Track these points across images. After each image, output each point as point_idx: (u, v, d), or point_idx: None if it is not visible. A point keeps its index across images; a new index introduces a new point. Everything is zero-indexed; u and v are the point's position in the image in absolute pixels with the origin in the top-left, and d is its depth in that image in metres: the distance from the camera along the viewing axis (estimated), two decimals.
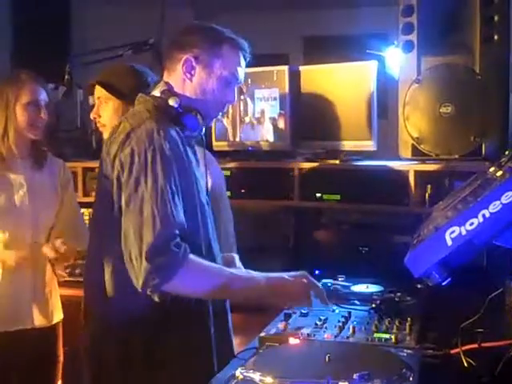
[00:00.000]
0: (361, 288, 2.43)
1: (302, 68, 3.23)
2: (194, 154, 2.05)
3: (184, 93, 2.02)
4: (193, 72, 2.01)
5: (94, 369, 2.00)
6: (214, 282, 1.86)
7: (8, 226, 2.58)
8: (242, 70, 2.08)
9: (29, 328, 2.63)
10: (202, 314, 1.95)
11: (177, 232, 1.79)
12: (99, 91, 2.57)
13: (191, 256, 1.81)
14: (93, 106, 2.68)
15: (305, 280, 1.99)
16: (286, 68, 3.21)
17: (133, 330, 1.88)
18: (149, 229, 1.76)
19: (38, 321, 2.65)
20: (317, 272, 2.62)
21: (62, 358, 2.78)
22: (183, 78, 2.02)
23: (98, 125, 2.59)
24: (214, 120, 2.67)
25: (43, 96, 2.65)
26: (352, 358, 1.68)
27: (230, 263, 2.22)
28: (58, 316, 2.76)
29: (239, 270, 2.19)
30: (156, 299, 1.79)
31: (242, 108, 3.31)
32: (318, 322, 2.01)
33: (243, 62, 2.09)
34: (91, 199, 2.53)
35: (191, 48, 2.01)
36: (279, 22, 6.20)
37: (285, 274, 1.97)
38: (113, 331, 1.90)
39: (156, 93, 2.04)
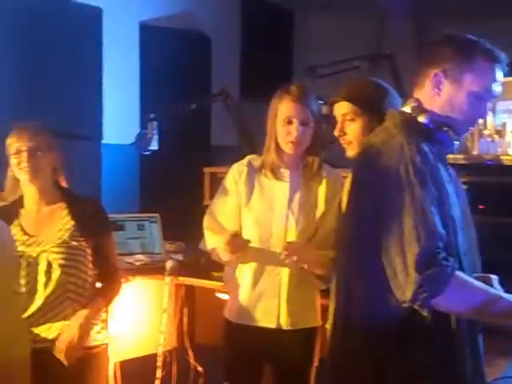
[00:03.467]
0: None
1: None
2: (446, 169, 2.02)
3: (432, 109, 1.98)
4: (441, 87, 1.96)
5: (343, 382, 2.04)
6: (477, 300, 1.82)
7: (263, 230, 2.67)
8: (497, 84, 1.99)
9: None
10: (460, 331, 1.91)
11: (441, 245, 1.77)
12: (345, 107, 2.49)
13: (457, 271, 1.79)
14: (332, 120, 2.64)
15: None
16: None
17: (389, 344, 1.89)
18: (413, 241, 1.75)
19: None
20: None
21: (316, 363, 2.75)
22: (432, 94, 1.98)
23: (343, 142, 2.51)
24: None
25: (301, 113, 2.63)
26: None
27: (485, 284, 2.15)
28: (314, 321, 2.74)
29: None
30: (424, 313, 1.78)
31: (481, 121, 3.20)
32: None
33: (500, 75, 1.99)
34: None
35: (440, 62, 1.95)
36: None
37: None
38: (371, 345, 1.92)
39: (406, 109, 2.03)
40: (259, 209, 2.69)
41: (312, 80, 3.46)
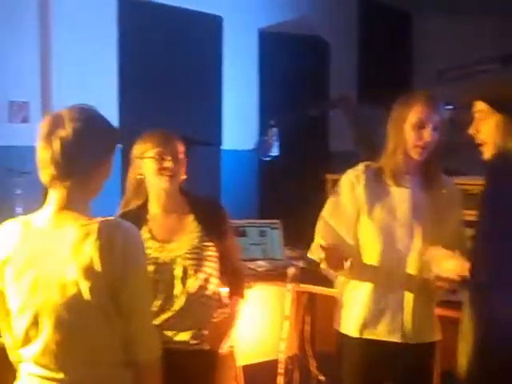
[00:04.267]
0: None
1: None
2: None
3: None
4: None
5: None
6: None
7: (387, 238, 2.60)
8: None
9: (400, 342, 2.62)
10: None
11: None
12: (479, 105, 2.41)
13: None
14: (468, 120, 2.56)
15: None
16: None
17: None
18: None
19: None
20: None
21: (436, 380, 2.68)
22: None
23: (477, 141, 2.48)
24: None
25: (432, 118, 2.57)
26: None
27: None
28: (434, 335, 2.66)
29: None
30: None
31: None
32: None
33: None
34: None
35: None
36: None
37: None
38: None
39: None
40: (381, 216, 2.61)
41: (440, 84, 3.34)
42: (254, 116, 5.66)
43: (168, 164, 2.52)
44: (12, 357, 1.88)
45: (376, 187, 2.63)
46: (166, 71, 4.95)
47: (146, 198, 2.63)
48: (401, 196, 2.60)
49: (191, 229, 2.58)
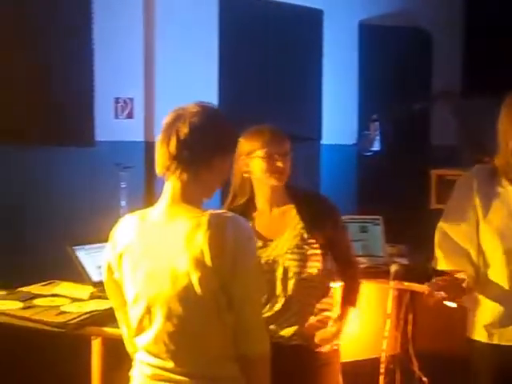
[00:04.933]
0: None
1: None
2: None
3: None
4: None
5: None
6: None
7: (508, 243, 2.48)
8: None
9: None
10: None
11: None
12: None
13: None
14: None
15: None
16: None
17: None
18: None
19: None
20: None
21: None
22: None
23: None
24: None
25: None
26: None
27: None
28: None
29: None
30: None
31: None
32: None
33: None
34: None
35: None
36: None
37: None
38: None
39: None
40: (500, 220, 2.48)
41: None
42: (354, 110, 5.58)
43: (278, 164, 2.50)
44: (128, 346, 1.94)
45: (490, 189, 2.48)
46: (266, 66, 4.97)
47: (251, 195, 2.62)
48: None
49: (293, 225, 2.55)
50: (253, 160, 2.54)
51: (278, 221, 2.57)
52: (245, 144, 2.56)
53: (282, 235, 2.53)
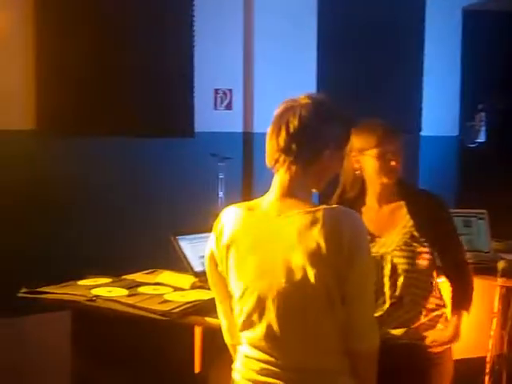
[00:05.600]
0: None
1: None
2: None
3: None
4: None
5: None
6: None
7: None
8: None
9: None
10: None
11: None
12: None
13: None
14: None
15: None
16: None
17: None
18: None
19: None
20: None
21: None
22: None
23: None
24: None
25: None
26: None
27: None
28: None
29: None
30: None
31: None
32: None
33: None
34: None
35: None
36: None
37: None
38: None
39: None
40: None
41: None
42: (456, 100, 5.39)
43: (391, 163, 2.44)
44: (227, 338, 1.93)
45: None
46: (367, 56, 4.88)
47: (362, 189, 2.58)
48: None
49: (403, 223, 2.49)
50: (365, 158, 2.48)
51: (387, 217, 2.51)
52: (356, 140, 2.50)
53: (391, 232, 2.47)
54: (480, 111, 3.74)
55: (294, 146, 1.72)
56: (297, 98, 1.79)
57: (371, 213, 2.54)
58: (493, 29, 5.42)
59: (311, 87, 4.65)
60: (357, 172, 2.51)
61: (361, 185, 2.55)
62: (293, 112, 1.74)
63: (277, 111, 1.78)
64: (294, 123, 1.73)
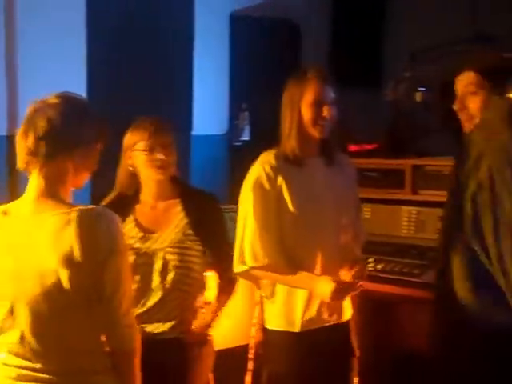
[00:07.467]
0: None
1: None
2: None
3: None
4: None
5: None
6: None
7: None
8: None
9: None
10: None
11: None
12: (468, 78, 2.38)
13: None
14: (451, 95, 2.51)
15: None
16: None
17: None
18: None
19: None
20: None
21: (357, 354, 2.72)
22: None
23: (463, 117, 2.41)
24: None
25: (329, 94, 2.56)
26: None
27: None
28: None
29: None
30: None
31: None
32: None
33: None
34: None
35: None
36: None
37: None
38: None
39: None
40: None
41: (414, 66, 3.33)
42: (225, 100, 5.56)
43: (159, 156, 2.47)
44: None
45: None
46: (136, 56, 4.88)
47: (138, 187, 2.59)
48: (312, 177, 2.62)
49: (177, 221, 2.54)
50: (135, 153, 2.51)
51: (162, 214, 2.56)
52: (129, 137, 2.54)
53: (165, 229, 2.52)
54: (244, 111, 3.91)
55: (43, 149, 1.71)
56: (45, 98, 1.78)
57: (146, 208, 2.58)
58: (258, 33, 5.70)
59: (81, 88, 4.55)
60: (130, 168, 2.54)
61: (137, 183, 2.57)
62: (41, 113, 1.72)
63: (26, 112, 1.76)
64: (41, 125, 1.71)
